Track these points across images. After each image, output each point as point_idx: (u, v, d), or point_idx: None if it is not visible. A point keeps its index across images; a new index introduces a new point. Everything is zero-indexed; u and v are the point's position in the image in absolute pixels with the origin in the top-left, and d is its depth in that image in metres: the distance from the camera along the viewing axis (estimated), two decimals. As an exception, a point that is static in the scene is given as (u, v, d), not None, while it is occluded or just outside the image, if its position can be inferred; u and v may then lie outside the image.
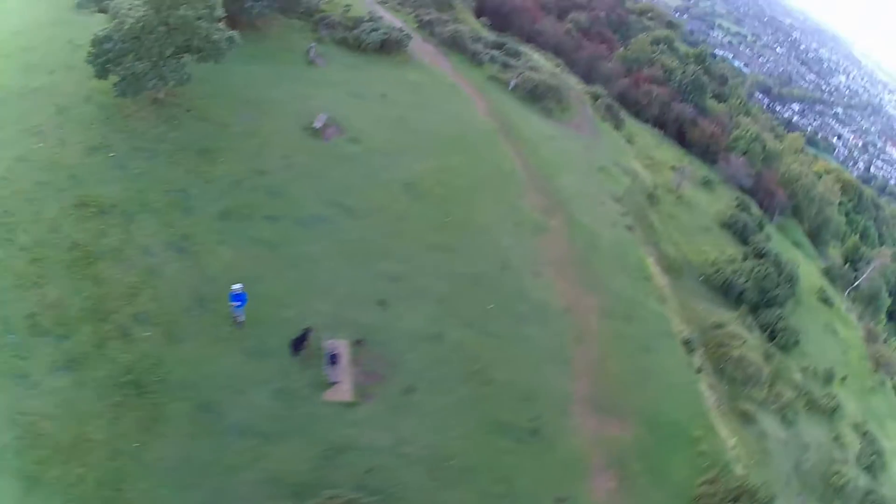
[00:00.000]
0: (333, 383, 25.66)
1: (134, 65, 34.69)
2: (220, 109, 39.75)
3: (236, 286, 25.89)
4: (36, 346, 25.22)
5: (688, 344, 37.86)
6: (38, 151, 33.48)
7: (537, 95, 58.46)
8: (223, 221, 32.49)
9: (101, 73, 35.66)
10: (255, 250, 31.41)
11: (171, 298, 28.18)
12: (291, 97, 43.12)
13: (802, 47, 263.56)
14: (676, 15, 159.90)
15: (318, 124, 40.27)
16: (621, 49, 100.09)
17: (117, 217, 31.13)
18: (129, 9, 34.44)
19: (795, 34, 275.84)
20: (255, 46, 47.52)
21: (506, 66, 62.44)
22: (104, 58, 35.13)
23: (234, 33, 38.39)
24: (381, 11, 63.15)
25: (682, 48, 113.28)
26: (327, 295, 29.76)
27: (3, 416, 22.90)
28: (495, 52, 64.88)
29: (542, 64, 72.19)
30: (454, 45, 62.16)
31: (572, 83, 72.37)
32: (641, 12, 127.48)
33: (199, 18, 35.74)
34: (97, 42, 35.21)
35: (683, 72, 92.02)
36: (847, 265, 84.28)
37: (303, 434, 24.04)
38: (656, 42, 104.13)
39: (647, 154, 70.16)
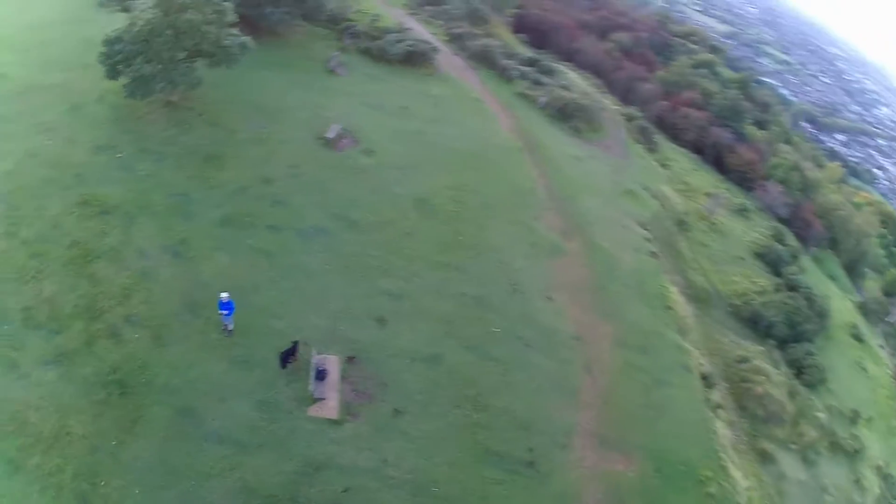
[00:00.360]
0: (319, 399, 26.73)
1: (143, 67, 37.78)
2: (232, 115, 42.67)
3: (224, 294, 27.32)
4: (28, 338, 27.93)
5: (706, 378, 38.34)
6: (47, 148, 36.78)
7: (567, 114, 60.09)
8: (223, 228, 34.84)
9: (112, 74, 38.88)
10: (253, 259, 33.48)
11: (162, 302, 30.40)
12: (306, 106, 45.76)
13: (847, 77, 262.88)
14: (723, 41, 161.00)
15: (330, 134, 42.62)
16: (662, 71, 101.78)
17: (118, 218, 33.93)
18: (142, 11, 37.81)
19: (840, 64, 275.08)
20: (274, 53, 51.00)
21: (537, 83, 64.29)
22: (115, 59, 38.32)
23: (247, 39, 41.37)
24: (410, 23, 65.96)
25: (726, 73, 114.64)
26: (323, 309, 31.32)
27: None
28: (527, 69, 66.79)
29: (575, 83, 73.82)
30: (484, 59, 64.47)
31: (606, 103, 74.00)
32: (685, 35, 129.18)
33: (207, 23, 38.78)
34: (109, 42, 38.51)
35: (724, 97, 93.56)
36: (886, 299, 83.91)
37: (281, 447, 25.24)
38: (698, 66, 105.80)
39: (682, 179, 70.84)
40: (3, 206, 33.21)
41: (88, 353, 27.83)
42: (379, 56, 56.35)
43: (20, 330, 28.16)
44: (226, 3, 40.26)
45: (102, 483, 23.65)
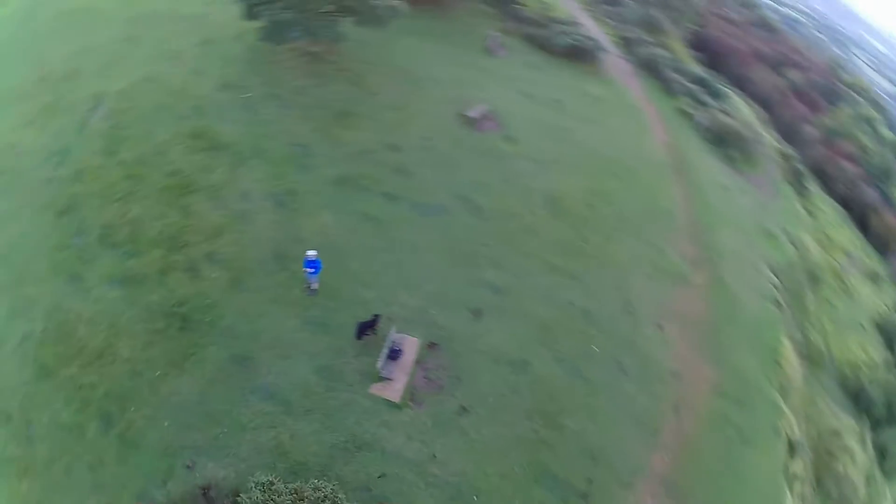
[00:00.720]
0: (385, 378, 26.41)
1: (280, 13, 39.22)
2: (373, 77, 43.42)
3: (311, 252, 27.66)
4: (101, 255, 29.42)
5: (792, 446, 35.62)
6: (169, 76, 39.03)
7: (724, 141, 58.05)
8: (336, 186, 35.03)
9: (249, 15, 40.72)
10: (358, 224, 33.43)
11: (251, 247, 30.93)
12: (454, 81, 46.06)
13: None
14: (887, 100, 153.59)
15: (474, 114, 42.37)
16: (825, 117, 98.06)
17: (228, 156, 35.09)
18: None
19: None
20: (431, 22, 52.12)
21: (700, 102, 62.71)
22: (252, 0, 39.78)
23: (398, 3, 42.03)
24: (582, 18, 66.43)
25: (885, 133, 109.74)
26: (418, 288, 30.90)
27: (42, 307, 27.23)
28: (693, 87, 65.24)
29: (739, 111, 71.76)
30: (650, 68, 64.01)
31: (766, 138, 71.55)
32: (852, 86, 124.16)
33: None
34: None
35: (880, 156, 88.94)
36: None
37: (329, 418, 24.99)
38: (860, 119, 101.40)
39: (825, 231, 66.35)
40: (108, 124, 35.45)
41: (159, 282, 28.72)
42: (542, 45, 56.29)
43: (94, 245, 29.73)
44: None
45: (132, 409, 24.36)
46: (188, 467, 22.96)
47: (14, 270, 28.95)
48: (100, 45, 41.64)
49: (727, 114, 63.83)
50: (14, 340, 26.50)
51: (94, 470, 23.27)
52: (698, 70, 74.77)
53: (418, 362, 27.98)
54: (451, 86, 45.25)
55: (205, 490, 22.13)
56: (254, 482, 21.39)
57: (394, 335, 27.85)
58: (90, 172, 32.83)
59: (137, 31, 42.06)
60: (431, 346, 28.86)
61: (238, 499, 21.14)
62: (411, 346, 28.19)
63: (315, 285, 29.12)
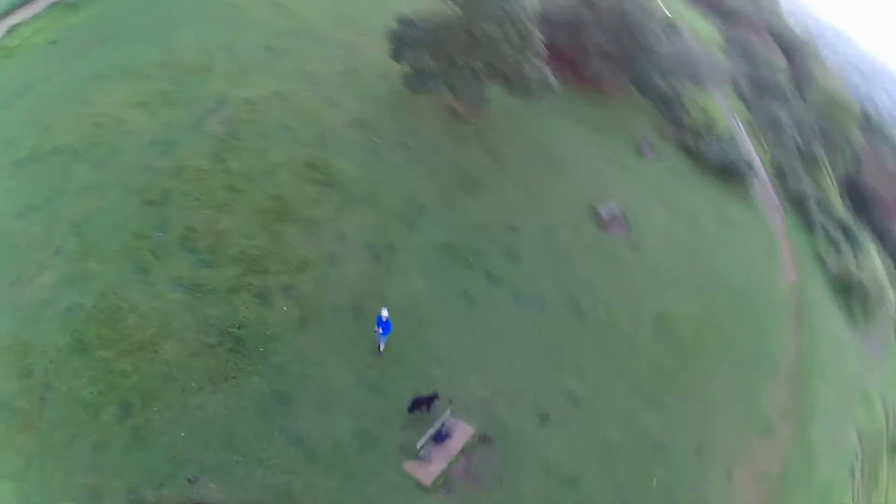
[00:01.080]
0: (422, 459, 27.13)
1: (426, 60, 41.33)
2: (512, 150, 45.20)
3: (384, 312, 28.75)
4: (175, 254, 31.17)
5: None
6: (301, 98, 41.61)
7: (849, 292, 57.79)
8: (439, 253, 36.20)
9: (395, 55, 43.21)
10: (450, 297, 34.30)
11: (331, 292, 32.11)
12: (593, 172, 47.40)
13: None
14: None
15: (604, 212, 43.31)
16: None
17: (337, 195, 36.78)
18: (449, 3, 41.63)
19: None
20: (583, 106, 53.85)
21: (836, 248, 62.35)
22: (402, 41, 42.59)
23: (552, 79, 43.42)
24: (741, 135, 67.85)
25: None
26: (491, 379, 31.71)
27: (99, 285, 29.24)
28: (834, 230, 64.90)
29: (872, 263, 69.94)
30: (797, 202, 65.20)
31: (890, 297, 68.49)
32: None
33: (508, 43, 41.07)
34: (401, 22, 43.06)
35: None
36: None
37: (350, 480, 25.82)
38: None
39: None
40: (224, 129, 37.94)
41: (225, 299, 30.17)
42: (694, 155, 57.90)
43: (172, 243, 31.61)
44: (534, 31, 42.60)
45: (155, 409, 25.68)
46: (189, 480, 24.14)
47: (82, 241, 31.03)
48: (237, 48, 44.88)
49: (859, 265, 63.35)
50: (60, 307, 28.31)
51: (95, 450, 24.51)
52: (843, 213, 74.21)
53: (464, 452, 28.32)
54: (588, 177, 46.60)
55: None
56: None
57: (446, 418, 28.39)
58: (191, 172, 35.05)
59: (282, 44, 45.12)
60: (484, 439, 29.20)
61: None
62: (462, 434, 28.60)
63: (382, 346, 29.99)
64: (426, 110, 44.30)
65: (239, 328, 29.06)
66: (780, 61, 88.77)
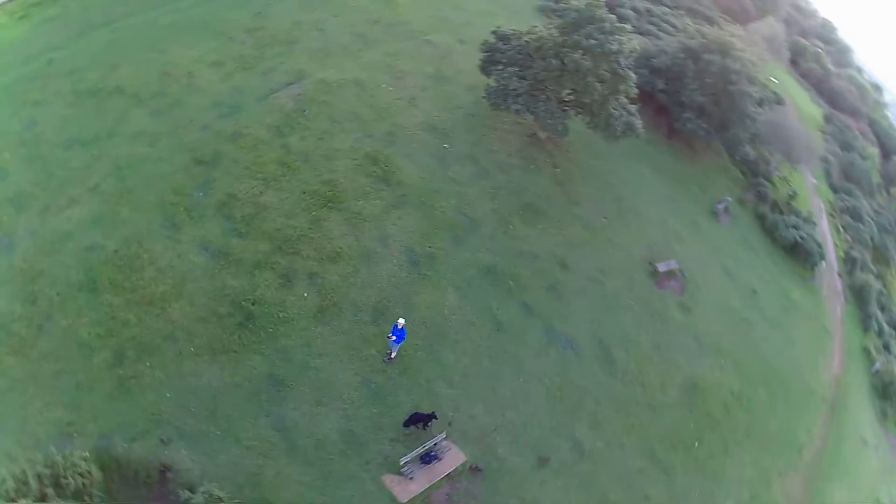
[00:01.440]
0: (404, 474, 26.26)
1: (511, 78, 40.36)
2: (583, 186, 43.70)
3: (400, 321, 28.18)
4: (210, 218, 31.31)
5: None
6: (381, 91, 41.67)
7: (887, 394, 55.17)
8: (478, 272, 35.01)
9: (483, 68, 42.59)
10: (480, 318, 33.08)
11: (357, 288, 31.44)
12: (661, 225, 45.54)
13: None
14: None
15: (662, 267, 41.66)
16: None
17: (391, 194, 36.21)
18: (546, 26, 41.42)
19: None
20: (669, 159, 52.30)
21: (886, 347, 60.01)
22: (493, 55, 41.92)
23: (638, 122, 42.11)
24: (820, 219, 65.24)
25: None
26: (498, 411, 30.26)
27: (126, 231, 29.62)
28: (889, 329, 62.55)
29: None
30: (859, 295, 62.34)
31: None
32: None
33: (599, 80, 39.89)
34: (496, 36, 42.49)
35: None
36: None
37: (324, 479, 25.35)
38: None
39: None
40: (293, 105, 37.96)
41: (248, 273, 30.02)
42: (768, 228, 55.76)
43: (210, 207, 31.74)
44: (628, 71, 41.32)
45: (148, 363, 26.12)
46: (162, 441, 24.27)
47: (121, 185, 31.36)
48: (328, 28, 45.11)
49: None
50: (82, 243, 28.77)
51: (79, 389, 24.85)
52: None
53: (450, 478, 27.28)
54: (655, 229, 44.76)
55: (164, 468, 23.48)
56: (206, 490, 22.22)
57: (440, 440, 27.41)
58: (249, 140, 35.15)
59: (375, 33, 45.14)
60: (475, 469, 28.02)
61: (186, 493, 22.22)
62: (452, 459, 27.52)
63: (394, 354, 29.22)
64: (505, 129, 43.44)
65: (254, 304, 28.84)
66: (874, 153, 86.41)
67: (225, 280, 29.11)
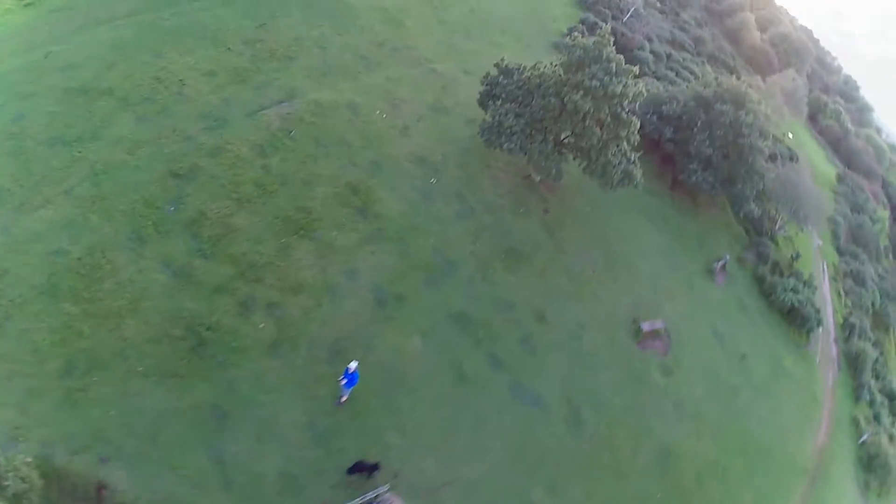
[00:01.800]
0: None
1: (507, 115, 39.65)
2: (573, 233, 42.99)
3: (352, 364, 27.68)
4: (177, 235, 30.77)
5: None
6: (373, 118, 41.13)
7: (872, 466, 54.14)
8: (448, 318, 34.26)
9: (482, 102, 42.10)
10: (442, 368, 32.31)
11: (315, 324, 30.86)
12: (651, 281, 44.63)
13: None
14: None
15: (647, 326, 40.69)
16: None
17: (367, 227, 35.61)
18: (552, 63, 40.54)
19: None
20: (670, 212, 51.50)
21: (876, 418, 59.63)
22: (492, 89, 41.35)
23: (638, 171, 41.23)
24: (822, 284, 64.99)
25: None
26: (451, 465, 29.43)
27: (91, 239, 29.26)
28: (881, 398, 62.24)
29: None
30: (853, 363, 61.77)
31: None
32: None
33: (597, 121, 39.29)
34: (498, 69, 41.91)
35: None
36: None
37: None
38: None
39: None
40: (279, 125, 37.29)
41: (206, 297, 29.50)
42: (766, 290, 54.66)
43: (178, 223, 31.20)
44: (632, 117, 40.29)
45: (96, 378, 25.77)
46: (102, 459, 24.07)
47: (95, 190, 31.00)
48: (330, 46, 44.59)
49: (893, 439, 59.36)
50: (49, 246, 28.54)
51: (30, 394, 24.78)
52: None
53: None
54: (645, 285, 43.90)
55: (101, 486, 23.36)
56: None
57: (382, 491, 26.69)
58: (229, 157, 34.72)
59: (380, 58, 45.05)
60: None
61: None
62: None
63: (344, 398, 28.54)
64: (499, 167, 42.94)
65: (208, 329, 28.41)
66: (885, 216, 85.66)
67: (183, 301, 28.67)
